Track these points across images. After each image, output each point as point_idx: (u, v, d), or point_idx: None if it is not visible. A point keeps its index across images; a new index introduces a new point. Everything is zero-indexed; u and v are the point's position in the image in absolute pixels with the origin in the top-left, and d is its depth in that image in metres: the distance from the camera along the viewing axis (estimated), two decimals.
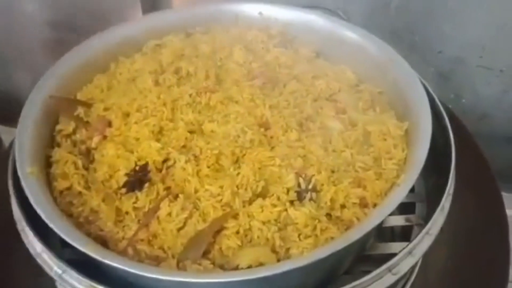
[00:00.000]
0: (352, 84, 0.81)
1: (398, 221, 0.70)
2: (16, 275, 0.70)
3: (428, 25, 1.14)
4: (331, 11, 1.05)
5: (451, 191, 0.61)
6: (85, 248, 0.50)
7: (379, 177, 0.61)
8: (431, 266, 0.70)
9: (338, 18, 0.92)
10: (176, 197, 0.60)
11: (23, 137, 0.63)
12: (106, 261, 0.49)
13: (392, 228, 0.76)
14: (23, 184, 0.56)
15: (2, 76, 1.32)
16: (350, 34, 0.85)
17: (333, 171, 0.61)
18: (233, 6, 0.93)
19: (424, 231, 0.56)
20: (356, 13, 1.14)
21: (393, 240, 0.74)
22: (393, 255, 0.55)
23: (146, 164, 0.62)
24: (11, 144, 0.71)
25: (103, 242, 0.57)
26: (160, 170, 0.63)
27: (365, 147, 0.66)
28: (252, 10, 0.93)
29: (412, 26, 1.17)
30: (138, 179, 0.60)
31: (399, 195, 0.53)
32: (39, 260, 0.54)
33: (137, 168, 0.61)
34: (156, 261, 0.55)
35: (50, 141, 0.70)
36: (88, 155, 0.69)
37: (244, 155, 0.64)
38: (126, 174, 0.61)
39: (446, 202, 0.59)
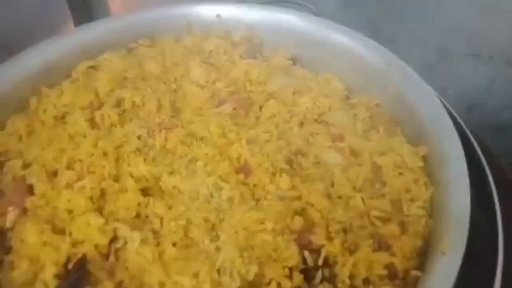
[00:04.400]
0: (342, 97, 0.66)
1: None
2: None
3: (409, 13, 1.02)
4: (300, 5, 0.90)
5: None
6: None
7: (404, 230, 0.46)
8: None
9: (311, 15, 0.77)
10: None
11: None
12: None
13: None
14: None
15: None
16: (334, 34, 0.69)
17: (344, 230, 0.46)
18: (184, 9, 0.75)
19: None
20: (327, 5, 0.99)
21: None
22: None
23: (83, 259, 0.43)
24: None
25: None
26: (106, 257, 0.45)
27: (377, 186, 0.51)
28: (207, 12, 0.75)
29: (391, 16, 1.03)
30: (73, 284, 0.41)
31: (449, 270, 0.38)
32: None
33: (70, 266, 0.42)
34: None
35: None
36: (3, 240, 0.49)
37: (222, 219, 0.47)
38: (56, 276, 0.42)
39: None
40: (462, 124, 0.58)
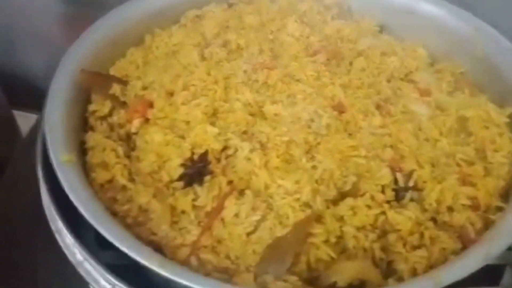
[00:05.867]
0: (427, 63, 0.70)
1: None
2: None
3: None
4: None
5: None
6: (147, 260, 0.39)
7: (488, 173, 0.50)
8: None
9: None
10: (242, 193, 0.49)
11: (54, 119, 0.52)
12: (176, 278, 0.39)
13: None
14: (59, 175, 0.45)
15: (14, 58, 1.20)
16: (421, 3, 0.73)
17: (432, 165, 0.50)
18: None
19: None
20: None
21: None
22: None
23: (206, 153, 0.50)
24: (32, 130, 0.60)
25: (156, 249, 0.46)
26: (218, 160, 0.52)
27: (462, 136, 0.55)
28: None
29: None
30: (197, 171, 0.48)
31: None
32: (79, 270, 0.44)
33: (195, 157, 0.50)
34: (226, 274, 0.44)
35: (82, 124, 0.59)
36: (128, 141, 0.57)
37: (319, 143, 0.53)
38: (182, 165, 0.50)
39: None
40: None
